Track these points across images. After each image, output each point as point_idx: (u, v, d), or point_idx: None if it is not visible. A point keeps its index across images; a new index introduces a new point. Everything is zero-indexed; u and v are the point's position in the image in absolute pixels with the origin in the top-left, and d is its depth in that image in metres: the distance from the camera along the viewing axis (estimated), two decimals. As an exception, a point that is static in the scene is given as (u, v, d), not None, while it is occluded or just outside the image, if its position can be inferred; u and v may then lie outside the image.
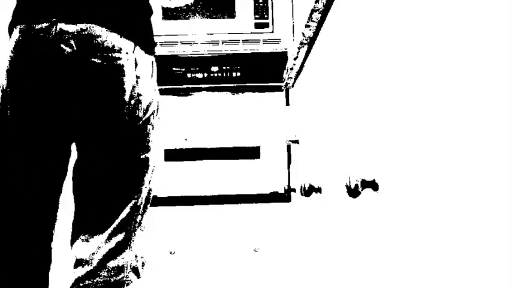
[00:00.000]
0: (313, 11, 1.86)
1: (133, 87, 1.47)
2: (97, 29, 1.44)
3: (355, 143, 1.43)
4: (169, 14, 3.36)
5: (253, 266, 3.17)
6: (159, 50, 3.33)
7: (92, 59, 1.42)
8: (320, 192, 1.85)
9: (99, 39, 1.43)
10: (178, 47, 3.34)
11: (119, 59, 1.44)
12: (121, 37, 1.45)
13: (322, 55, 1.95)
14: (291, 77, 2.52)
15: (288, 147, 3.22)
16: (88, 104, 1.46)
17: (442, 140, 0.90)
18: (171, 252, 3.25)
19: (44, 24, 1.43)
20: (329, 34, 1.83)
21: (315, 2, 1.81)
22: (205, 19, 3.36)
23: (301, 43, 2.10)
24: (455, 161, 0.85)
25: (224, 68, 3.34)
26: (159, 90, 3.35)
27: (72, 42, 1.42)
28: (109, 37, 1.44)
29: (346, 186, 1.16)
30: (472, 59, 0.81)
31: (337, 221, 1.64)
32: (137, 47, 1.48)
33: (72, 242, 1.56)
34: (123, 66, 1.45)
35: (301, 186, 1.89)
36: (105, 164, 1.49)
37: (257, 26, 3.35)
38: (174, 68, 3.34)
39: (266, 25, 3.35)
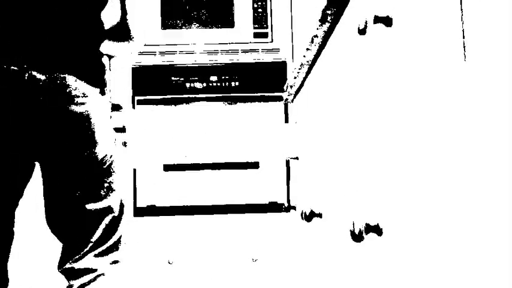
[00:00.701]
0: (315, 36, 1.86)
1: (102, 128, 1.61)
2: (68, 78, 1.58)
3: (356, 161, 1.44)
4: (168, 23, 3.34)
5: (252, 276, 3.18)
6: (158, 60, 3.33)
7: (66, 106, 1.55)
8: (321, 217, 1.86)
9: (70, 88, 1.57)
10: (177, 57, 3.33)
11: (89, 104, 1.60)
12: (87, 84, 1.57)
13: (323, 73, 1.95)
14: (290, 94, 2.52)
15: (287, 161, 3.22)
16: (62, 146, 1.58)
17: (450, 175, 0.90)
18: (169, 262, 3.25)
19: (15, 68, 1.50)
20: (331, 55, 1.83)
21: (317, 29, 1.81)
22: (204, 28, 3.35)
23: (302, 64, 2.10)
24: (463, 202, 0.86)
25: (223, 77, 3.33)
26: (159, 99, 3.35)
27: (46, 89, 1.54)
28: (78, 85, 1.59)
29: (350, 231, 1.16)
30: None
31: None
32: (100, 93, 1.62)
33: (63, 263, 1.66)
34: (90, 112, 1.61)
35: (302, 212, 1.89)
36: (80, 196, 1.61)
37: (256, 35, 3.34)
38: (172, 78, 3.33)
39: (265, 35, 3.35)
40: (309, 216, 1.87)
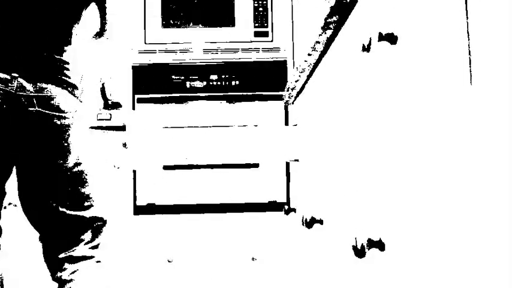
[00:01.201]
0: (317, 42, 1.86)
1: (80, 138, 1.68)
2: (53, 90, 1.62)
3: (358, 174, 1.44)
4: (169, 22, 3.33)
5: (252, 275, 3.19)
6: (158, 58, 3.32)
7: (48, 117, 1.60)
8: (322, 224, 1.86)
9: (56, 99, 1.62)
10: (178, 55, 3.33)
11: (70, 117, 1.65)
12: (69, 93, 1.65)
13: (325, 80, 1.95)
14: (291, 96, 2.51)
15: (287, 163, 3.22)
16: (37, 155, 1.64)
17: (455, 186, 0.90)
18: (169, 261, 3.26)
19: (4, 75, 1.54)
20: (334, 65, 1.83)
21: (319, 35, 1.80)
22: (205, 27, 3.34)
23: (303, 69, 2.10)
24: (468, 219, 0.86)
25: (223, 76, 3.33)
26: (159, 98, 3.35)
27: (34, 101, 1.59)
28: (63, 97, 1.63)
29: (353, 247, 1.17)
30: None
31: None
32: (80, 102, 1.67)
33: (51, 256, 1.70)
34: (70, 123, 1.66)
35: (303, 217, 1.90)
36: (52, 201, 1.68)
37: (257, 34, 3.34)
38: (173, 76, 3.32)
39: (266, 34, 3.34)
40: (309, 223, 1.88)
